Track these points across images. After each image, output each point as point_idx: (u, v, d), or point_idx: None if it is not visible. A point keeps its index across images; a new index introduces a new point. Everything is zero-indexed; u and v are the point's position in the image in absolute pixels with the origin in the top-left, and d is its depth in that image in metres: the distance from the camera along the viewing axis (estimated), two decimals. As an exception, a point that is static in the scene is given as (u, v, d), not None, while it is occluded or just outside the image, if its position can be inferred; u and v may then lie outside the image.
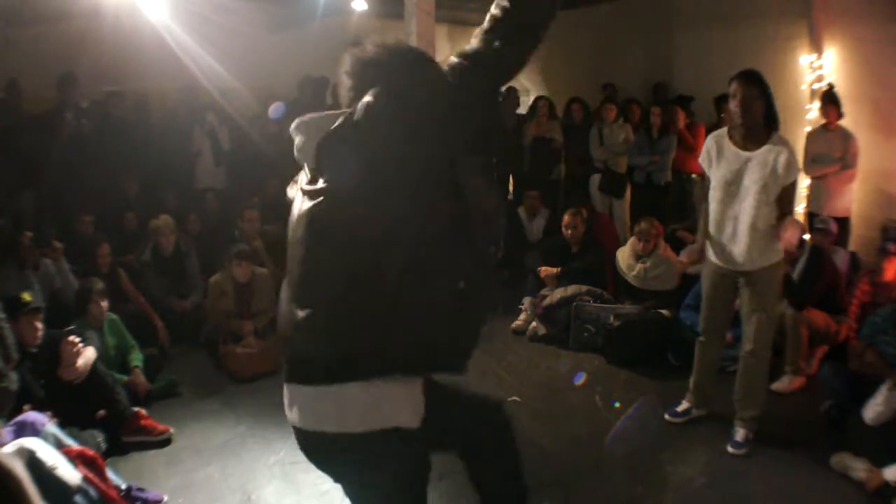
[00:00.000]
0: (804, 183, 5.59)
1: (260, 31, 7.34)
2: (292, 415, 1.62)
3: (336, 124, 1.53)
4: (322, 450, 1.65)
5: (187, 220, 5.59)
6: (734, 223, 3.10)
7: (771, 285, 3.16)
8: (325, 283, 1.52)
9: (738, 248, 3.11)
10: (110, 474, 2.83)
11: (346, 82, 1.65)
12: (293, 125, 1.64)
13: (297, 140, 1.62)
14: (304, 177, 1.65)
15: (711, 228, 3.22)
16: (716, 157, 3.16)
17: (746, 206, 3.05)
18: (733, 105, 3.05)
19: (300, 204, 1.59)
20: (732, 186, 3.09)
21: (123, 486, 2.81)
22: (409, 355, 1.50)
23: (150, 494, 2.88)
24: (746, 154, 3.05)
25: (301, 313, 1.53)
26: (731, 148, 3.10)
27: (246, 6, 6.60)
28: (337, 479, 1.74)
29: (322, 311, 1.51)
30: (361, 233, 1.46)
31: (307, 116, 1.63)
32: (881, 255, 4.11)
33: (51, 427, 2.76)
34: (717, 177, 3.16)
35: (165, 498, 2.92)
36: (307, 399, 1.56)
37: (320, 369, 1.52)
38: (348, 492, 1.72)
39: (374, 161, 1.46)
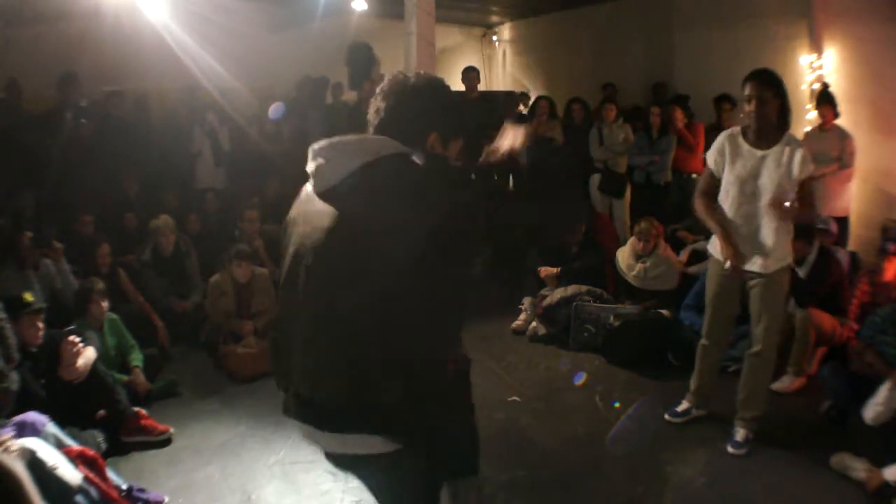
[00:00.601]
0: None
1: (260, 31, 7.35)
2: (310, 440, 1.65)
3: (387, 153, 1.55)
4: (345, 464, 1.70)
5: (187, 220, 5.59)
6: (751, 223, 3.08)
7: (781, 288, 3.16)
8: (342, 327, 1.50)
9: (754, 248, 3.09)
10: (111, 474, 2.82)
11: (378, 101, 1.66)
12: (315, 148, 1.61)
13: (318, 162, 1.59)
14: (309, 201, 1.62)
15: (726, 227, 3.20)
16: (730, 155, 3.13)
17: (761, 206, 3.04)
18: (748, 107, 3.02)
19: (309, 232, 1.57)
20: (747, 184, 3.06)
21: (124, 487, 2.81)
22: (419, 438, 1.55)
23: (151, 495, 2.88)
24: (761, 153, 3.04)
25: (315, 356, 1.54)
26: (745, 146, 3.09)
27: (246, 6, 6.61)
28: (365, 483, 1.76)
29: (338, 359, 1.51)
30: (377, 266, 1.46)
31: (335, 140, 1.61)
32: (881, 255, 4.12)
33: (51, 427, 2.76)
34: (731, 175, 3.12)
35: (166, 499, 2.92)
36: (322, 436, 1.61)
37: (334, 419, 1.55)
38: (376, 495, 1.75)
39: (407, 198, 1.49)
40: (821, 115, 5.40)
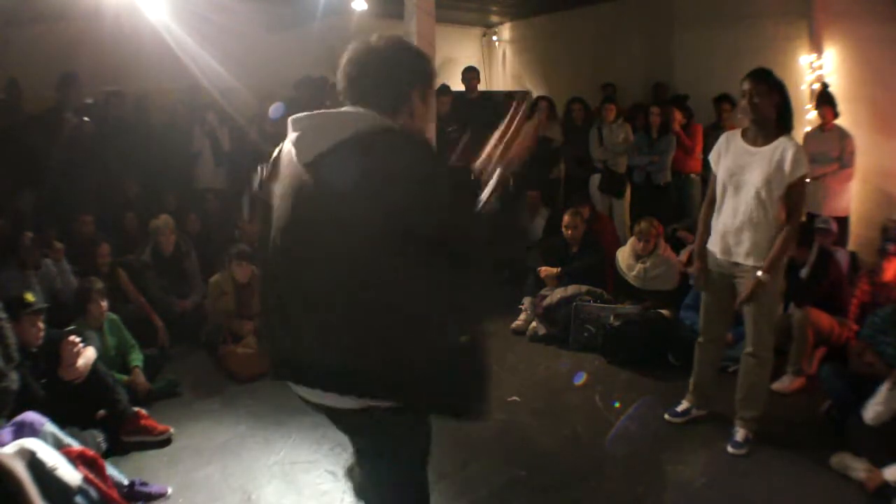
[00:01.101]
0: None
1: (260, 31, 7.35)
2: (301, 393, 1.70)
3: (355, 132, 1.53)
4: (336, 419, 1.74)
5: (187, 220, 5.58)
6: (734, 215, 3.12)
7: (770, 286, 3.15)
8: (326, 291, 1.53)
9: (736, 241, 3.12)
10: (113, 471, 2.83)
11: (348, 68, 1.67)
12: (293, 119, 1.64)
13: (297, 133, 1.62)
14: (283, 172, 1.64)
15: (713, 218, 3.24)
16: (724, 152, 3.19)
17: (745, 200, 3.06)
18: (742, 102, 3.07)
19: (288, 201, 1.60)
20: (734, 178, 3.11)
21: (126, 483, 2.81)
22: (404, 390, 1.55)
23: (154, 488, 2.90)
24: (754, 149, 3.06)
25: (298, 320, 1.58)
26: (740, 143, 3.13)
27: (246, 6, 6.61)
28: (357, 449, 1.83)
29: (325, 322, 1.54)
30: (354, 232, 1.49)
31: (313, 113, 1.63)
32: (881, 255, 4.12)
33: (49, 427, 2.76)
34: (721, 168, 3.18)
35: (169, 490, 2.94)
36: (310, 394, 1.66)
37: (318, 378, 1.60)
38: (365, 463, 1.81)
39: (377, 172, 1.48)
40: (821, 115, 5.40)
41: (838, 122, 5.36)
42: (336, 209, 1.50)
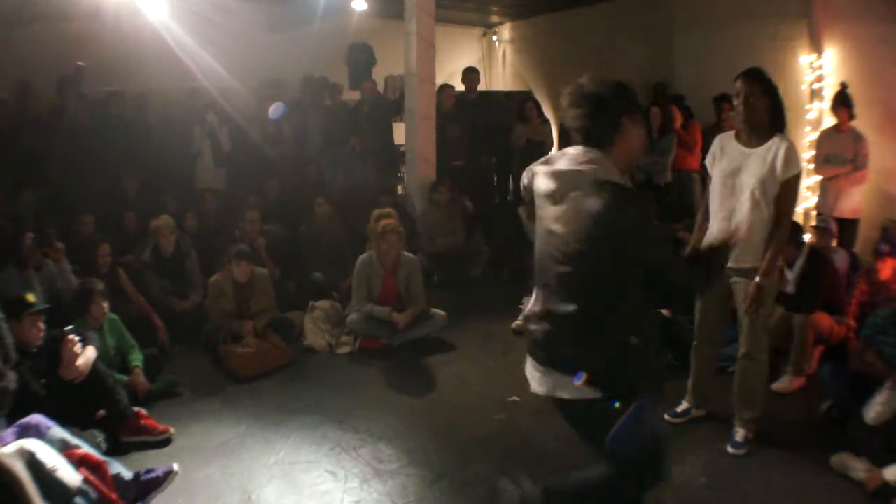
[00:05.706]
0: (808, 182, 5.59)
1: (260, 31, 7.35)
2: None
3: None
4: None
5: (185, 219, 5.58)
6: (731, 217, 3.11)
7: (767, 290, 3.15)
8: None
9: (732, 244, 3.10)
10: (118, 466, 2.84)
11: (571, 111, 2.04)
12: (546, 170, 2.09)
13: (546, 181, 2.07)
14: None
15: (710, 220, 3.24)
16: (719, 153, 3.19)
17: (742, 202, 3.06)
18: (736, 102, 3.07)
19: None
20: (730, 180, 3.11)
21: (130, 475, 2.82)
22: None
23: (159, 470, 2.90)
24: (748, 150, 3.06)
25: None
26: (734, 145, 3.13)
27: (246, 6, 6.62)
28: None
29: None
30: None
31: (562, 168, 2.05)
32: (875, 255, 4.12)
33: (56, 431, 2.75)
34: (717, 171, 3.19)
35: (175, 466, 2.94)
36: None
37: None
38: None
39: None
40: (836, 115, 5.39)
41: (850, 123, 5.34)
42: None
